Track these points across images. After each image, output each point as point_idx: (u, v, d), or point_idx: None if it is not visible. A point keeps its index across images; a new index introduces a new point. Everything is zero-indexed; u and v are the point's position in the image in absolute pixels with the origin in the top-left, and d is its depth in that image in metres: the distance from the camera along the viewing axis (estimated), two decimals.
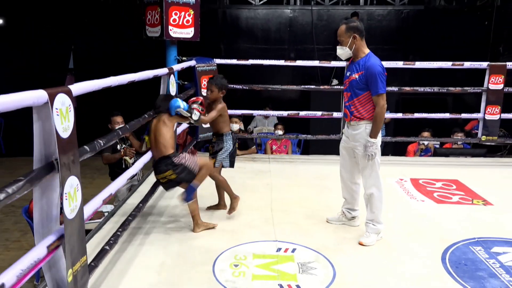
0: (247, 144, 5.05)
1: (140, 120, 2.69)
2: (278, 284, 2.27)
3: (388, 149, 7.27)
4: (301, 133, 6.37)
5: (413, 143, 5.51)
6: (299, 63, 4.98)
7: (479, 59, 5.16)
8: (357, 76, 2.68)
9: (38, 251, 1.44)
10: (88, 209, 1.92)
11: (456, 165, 4.74)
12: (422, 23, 8.42)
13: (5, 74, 7.97)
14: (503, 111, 4.76)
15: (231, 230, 2.94)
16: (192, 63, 4.37)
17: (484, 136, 4.81)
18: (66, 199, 1.54)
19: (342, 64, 4.56)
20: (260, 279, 2.32)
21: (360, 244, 2.74)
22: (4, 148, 8.44)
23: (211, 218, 3.10)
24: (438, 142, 5.49)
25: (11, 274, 1.29)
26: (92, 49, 8.41)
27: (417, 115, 4.95)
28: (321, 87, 5.48)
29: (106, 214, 3.57)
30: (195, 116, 2.81)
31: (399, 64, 4.79)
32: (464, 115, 5.12)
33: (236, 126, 4.93)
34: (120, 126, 4.48)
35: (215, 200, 3.32)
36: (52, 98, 1.44)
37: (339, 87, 5.02)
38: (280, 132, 5.90)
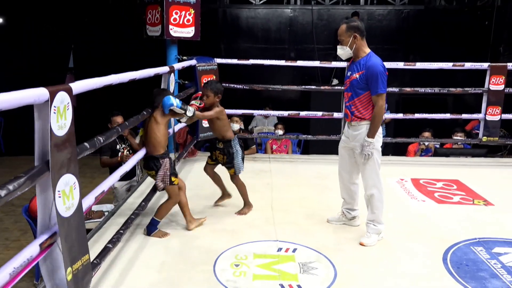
0: (247, 143, 5.05)
1: (139, 117, 2.69)
2: (279, 284, 2.27)
3: (388, 149, 7.27)
4: (301, 133, 6.37)
5: (413, 143, 5.51)
6: (300, 63, 4.98)
7: (479, 60, 5.16)
8: (357, 76, 2.67)
9: (31, 249, 1.44)
10: (84, 204, 1.90)
11: (456, 165, 4.74)
12: (422, 23, 8.42)
13: (5, 73, 7.95)
14: (504, 111, 4.76)
15: (232, 229, 2.94)
16: (192, 62, 4.36)
17: (485, 137, 4.81)
18: (60, 197, 1.52)
19: (343, 64, 4.56)
20: (261, 279, 2.32)
21: (361, 244, 2.73)
22: (4, 147, 8.43)
23: (212, 217, 3.10)
24: (439, 143, 5.49)
25: (4, 273, 1.29)
26: (92, 49, 8.39)
27: (417, 116, 4.95)
28: (322, 87, 5.48)
29: (106, 213, 3.57)
30: (189, 112, 2.78)
31: (400, 64, 4.79)
32: (464, 116, 5.13)
33: (237, 126, 4.92)
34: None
35: (212, 197, 3.32)
36: (53, 96, 1.43)
37: (340, 87, 5.01)
38: (281, 132, 5.90)
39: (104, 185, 2.23)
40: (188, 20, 4.31)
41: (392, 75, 8.33)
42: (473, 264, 2.52)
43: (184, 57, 4.49)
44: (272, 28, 8.63)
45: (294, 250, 2.65)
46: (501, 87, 4.69)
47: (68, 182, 1.57)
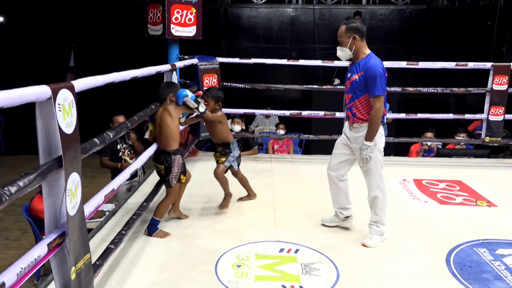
0: (249, 143, 5.03)
1: (148, 111, 2.69)
2: (281, 285, 2.26)
3: (390, 150, 7.25)
4: (302, 133, 6.35)
5: (416, 143, 5.49)
6: (302, 62, 4.96)
7: (481, 59, 5.14)
8: (357, 77, 2.65)
9: (39, 250, 1.43)
10: (90, 207, 1.90)
11: (459, 166, 4.72)
12: (424, 22, 8.41)
13: (5, 73, 7.95)
14: (507, 112, 4.74)
15: (233, 230, 2.93)
16: (194, 61, 4.35)
17: (487, 137, 4.80)
18: (68, 195, 1.53)
19: (345, 63, 4.54)
20: (263, 280, 2.31)
21: (364, 245, 2.72)
22: (4, 146, 8.43)
23: (213, 218, 3.09)
24: (441, 143, 5.47)
25: (12, 273, 1.28)
26: (92, 48, 8.39)
27: (420, 116, 4.94)
28: (324, 86, 5.47)
29: (107, 213, 3.56)
30: (202, 108, 2.83)
31: (403, 64, 4.78)
32: (467, 116, 5.11)
33: (238, 127, 4.91)
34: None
35: (212, 197, 3.32)
36: (55, 93, 1.42)
37: (342, 87, 5.00)
38: (282, 131, 5.88)
39: (113, 184, 2.23)
40: (189, 19, 4.30)
41: (394, 74, 8.31)
42: (477, 266, 2.51)
43: (186, 56, 4.49)
44: (274, 28, 8.62)
45: (296, 251, 2.64)
46: (505, 87, 4.67)
47: (74, 181, 1.57)
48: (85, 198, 1.74)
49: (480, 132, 5.08)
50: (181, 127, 4.08)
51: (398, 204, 3.51)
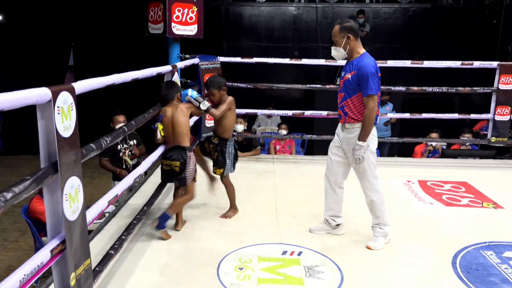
0: (252, 144, 5.02)
1: (146, 116, 2.68)
2: None
3: (394, 150, 7.24)
4: (304, 133, 6.34)
5: (420, 144, 5.48)
6: (305, 61, 4.95)
7: (487, 59, 5.13)
8: (349, 76, 2.64)
9: (42, 255, 1.42)
10: (93, 212, 1.90)
11: (464, 167, 4.71)
12: (428, 21, 8.39)
13: (5, 72, 7.96)
14: None
15: (236, 231, 2.92)
16: (195, 60, 4.34)
17: (494, 138, 4.78)
18: (67, 200, 1.52)
19: None
20: (266, 283, 2.30)
21: (368, 248, 2.71)
22: (3, 146, 8.44)
23: (215, 219, 3.08)
24: (446, 143, 5.46)
25: (14, 279, 1.28)
26: (92, 47, 8.39)
27: (425, 116, 4.93)
28: (327, 86, 5.45)
29: (107, 214, 3.55)
30: (203, 105, 2.86)
31: (407, 63, 4.76)
32: (473, 116, 5.09)
33: (241, 127, 4.90)
34: (121, 125, 4.45)
35: (213, 198, 3.30)
36: (55, 96, 1.42)
37: None
38: (284, 132, 5.87)
39: (118, 189, 2.24)
40: (191, 18, 4.29)
41: (398, 74, 8.28)
42: (483, 269, 2.49)
43: (187, 55, 4.48)
44: (276, 26, 8.61)
45: (299, 253, 2.63)
46: (511, 86, 4.66)
47: (73, 185, 1.56)
48: (85, 200, 1.73)
49: (486, 132, 5.06)
50: None
51: (402, 206, 3.50)
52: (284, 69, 7.74)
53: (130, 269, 2.38)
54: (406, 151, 6.20)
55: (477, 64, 4.71)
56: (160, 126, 2.85)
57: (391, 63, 4.74)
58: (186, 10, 4.24)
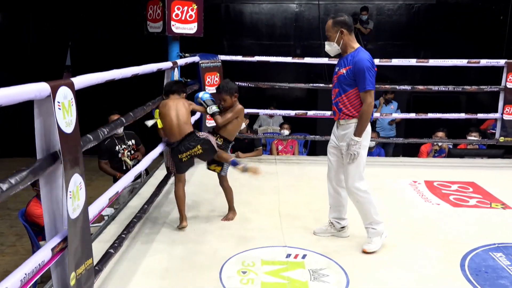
0: (254, 144, 5.01)
1: (145, 108, 2.70)
2: None
3: (400, 150, 7.23)
4: (307, 133, 6.35)
5: (426, 144, 5.47)
6: (307, 60, 4.94)
7: (493, 56, 5.12)
8: (344, 71, 2.64)
9: (43, 254, 1.42)
10: (94, 209, 1.90)
11: (472, 167, 4.70)
12: (433, 18, 8.38)
13: (4, 72, 7.97)
14: None
15: (238, 234, 2.92)
16: (195, 59, 4.35)
17: (502, 137, 4.78)
18: (70, 197, 1.51)
19: None
20: (269, 287, 2.30)
21: (364, 252, 2.67)
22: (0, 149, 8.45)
23: (217, 222, 3.08)
24: (452, 143, 5.45)
25: (15, 279, 1.28)
26: (91, 46, 8.40)
27: (430, 115, 4.92)
28: (330, 85, 5.44)
29: (106, 217, 3.55)
30: (210, 110, 2.99)
31: (412, 61, 4.76)
32: (480, 115, 5.08)
33: (243, 125, 4.90)
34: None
35: (215, 200, 3.30)
36: (54, 91, 1.41)
37: None
38: (287, 132, 5.87)
39: (118, 186, 2.23)
40: (190, 16, 4.29)
41: (402, 72, 8.26)
42: (493, 271, 2.49)
43: (186, 54, 4.48)
44: (277, 24, 8.61)
45: (304, 256, 2.62)
46: None
47: (76, 182, 1.56)
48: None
49: (493, 131, 5.05)
50: None
51: (408, 207, 3.50)
52: (286, 68, 7.73)
53: (130, 273, 2.38)
54: (411, 150, 6.19)
55: (484, 62, 4.71)
56: (156, 114, 2.92)
57: (395, 61, 4.74)
58: (185, 8, 4.24)
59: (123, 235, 2.37)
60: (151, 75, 2.98)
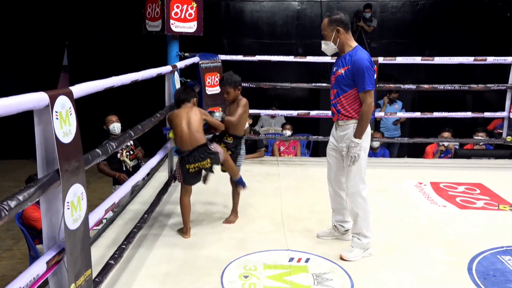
0: (256, 145, 5.01)
1: (153, 120, 2.71)
2: None
3: (404, 151, 7.22)
4: (309, 134, 6.34)
5: (431, 144, 5.46)
6: (309, 59, 4.94)
7: (500, 54, 5.11)
8: (343, 72, 2.62)
9: (38, 267, 1.42)
10: (91, 220, 1.90)
11: (479, 168, 4.70)
12: (439, 15, 8.37)
13: (4, 72, 7.99)
14: None
15: (240, 238, 2.92)
16: (195, 59, 4.35)
17: (509, 137, 4.77)
18: (68, 208, 1.52)
19: None
20: None
21: (341, 258, 2.63)
22: None
23: (218, 225, 3.08)
24: (458, 143, 5.44)
25: None
26: (90, 46, 8.42)
27: (436, 114, 4.91)
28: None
29: (104, 221, 3.55)
30: (217, 116, 3.01)
31: (417, 59, 4.75)
32: (487, 114, 5.07)
33: (247, 124, 4.91)
34: (114, 124, 4.46)
35: (216, 203, 3.30)
36: (53, 100, 1.42)
37: None
38: (289, 132, 5.87)
39: (115, 197, 2.24)
40: (190, 14, 4.30)
41: (407, 71, 8.23)
42: (501, 275, 2.48)
43: (186, 54, 4.48)
44: (278, 22, 8.61)
45: (307, 260, 2.62)
46: None
47: (76, 193, 1.56)
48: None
49: (500, 131, 5.04)
50: None
51: (414, 209, 3.49)
52: (287, 67, 7.73)
53: (131, 278, 2.38)
54: (417, 151, 6.18)
55: (490, 59, 4.70)
56: (171, 134, 2.94)
57: (400, 59, 4.74)
58: (185, 6, 4.25)
59: (123, 246, 2.36)
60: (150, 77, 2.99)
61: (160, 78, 3.41)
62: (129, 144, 4.57)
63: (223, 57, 4.70)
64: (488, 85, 4.87)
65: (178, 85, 3.52)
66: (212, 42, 7.52)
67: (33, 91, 1.38)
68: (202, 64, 4.43)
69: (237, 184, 3.04)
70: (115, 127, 4.44)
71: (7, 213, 1.21)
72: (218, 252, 2.70)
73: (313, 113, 4.92)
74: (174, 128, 2.87)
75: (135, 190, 3.83)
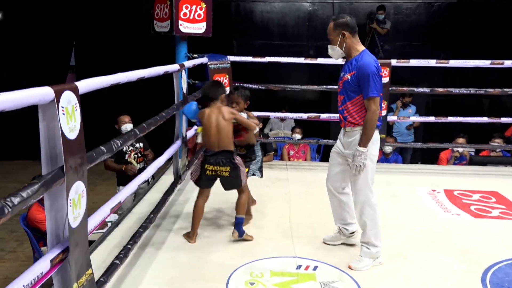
0: (266, 149, 5.01)
1: (158, 119, 2.72)
2: None
3: (418, 157, 7.17)
4: (320, 138, 6.33)
5: (446, 150, 5.42)
6: (320, 61, 4.93)
7: None
8: (349, 77, 2.59)
9: (42, 265, 1.43)
10: (95, 220, 1.91)
11: (495, 175, 4.65)
12: (454, 17, 8.31)
13: (4, 72, 8.10)
14: None
15: (246, 244, 2.91)
16: (204, 60, 4.37)
17: None
18: (70, 206, 1.53)
19: None
20: None
21: (349, 268, 2.61)
22: None
23: (224, 230, 3.09)
24: (474, 149, 5.39)
25: None
26: (93, 47, 8.50)
27: (451, 119, 4.87)
28: None
29: (109, 224, 3.58)
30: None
31: (432, 62, 4.72)
32: (504, 120, 5.02)
33: (257, 129, 4.92)
34: (127, 125, 4.52)
35: (221, 207, 3.30)
36: (58, 95, 1.43)
37: None
38: (299, 136, 5.86)
39: (120, 196, 2.25)
40: (199, 15, 4.33)
41: (421, 74, 8.18)
42: None
43: (194, 55, 4.51)
44: (289, 24, 8.62)
45: (315, 268, 2.61)
46: None
47: (77, 190, 1.57)
48: (87, 208, 1.74)
49: None
50: (190, 134, 4.10)
51: (427, 217, 3.47)
52: (298, 69, 7.74)
53: (134, 283, 2.39)
54: (430, 157, 6.13)
55: (508, 63, 4.65)
56: (199, 129, 2.94)
57: (414, 62, 4.71)
58: (194, 7, 4.28)
59: (129, 246, 2.38)
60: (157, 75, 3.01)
61: (170, 79, 3.44)
62: (138, 146, 4.61)
63: (232, 58, 4.72)
64: (505, 89, 4.82)
65: (184, 85, 3.53)
66: (222, 43, 7.55)
67: None
68: (210, 65, 4.45)
69: (235, 224, 2.91)
70: (127, 128, 4.49)
71: (10, 209, 1.22)
72: (224, 258, 2.71)
73: (324, 116, 4.91)
74: (203, 127, 2.89)
75: (140, 194, 3.86)
